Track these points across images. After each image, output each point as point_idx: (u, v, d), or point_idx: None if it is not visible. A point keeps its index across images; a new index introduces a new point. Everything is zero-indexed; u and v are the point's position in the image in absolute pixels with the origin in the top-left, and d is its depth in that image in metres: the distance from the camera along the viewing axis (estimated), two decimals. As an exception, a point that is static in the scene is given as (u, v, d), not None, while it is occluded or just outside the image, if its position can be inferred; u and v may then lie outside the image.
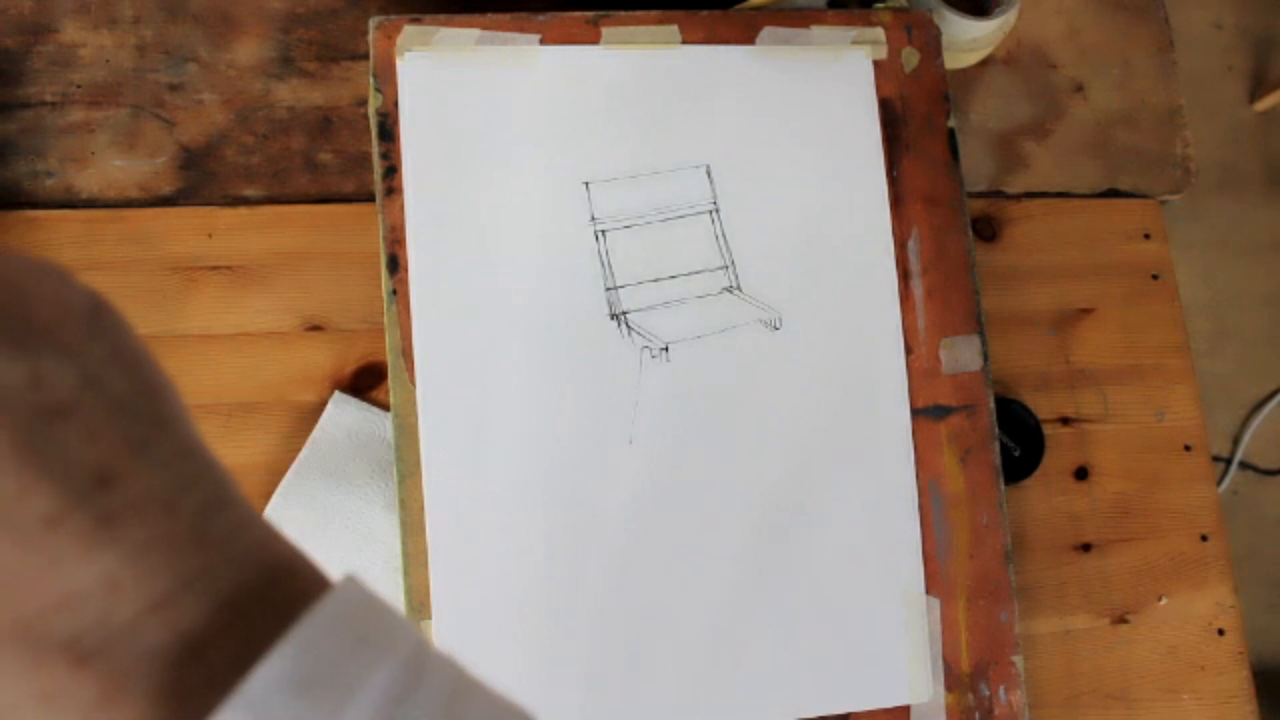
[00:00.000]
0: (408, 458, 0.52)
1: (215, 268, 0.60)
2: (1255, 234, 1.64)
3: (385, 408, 0.58)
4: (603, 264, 0.55)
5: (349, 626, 0.20)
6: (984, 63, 0.69)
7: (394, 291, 0.53)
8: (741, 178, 0.57)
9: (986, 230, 0.67)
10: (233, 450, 0.57)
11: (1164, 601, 0.63)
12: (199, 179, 0.61)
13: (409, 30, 0.55)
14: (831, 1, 0.64)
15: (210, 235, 0.60)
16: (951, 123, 0.60)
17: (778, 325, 0.56)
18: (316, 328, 0.60)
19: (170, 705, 0.19)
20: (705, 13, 0.58)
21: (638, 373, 0.54)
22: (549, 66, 0.56)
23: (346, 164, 0.62)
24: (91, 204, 0.60)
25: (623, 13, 0.57)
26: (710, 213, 0.57)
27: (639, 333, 0.54)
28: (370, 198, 0.58)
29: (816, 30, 0.59)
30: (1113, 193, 0.69)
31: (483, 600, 0.51)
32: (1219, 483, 1.46)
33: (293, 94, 0.63)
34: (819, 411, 0.56)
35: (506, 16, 0.56)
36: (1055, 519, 0.63)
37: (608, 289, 0.55)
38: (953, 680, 0.55)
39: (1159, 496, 0.65)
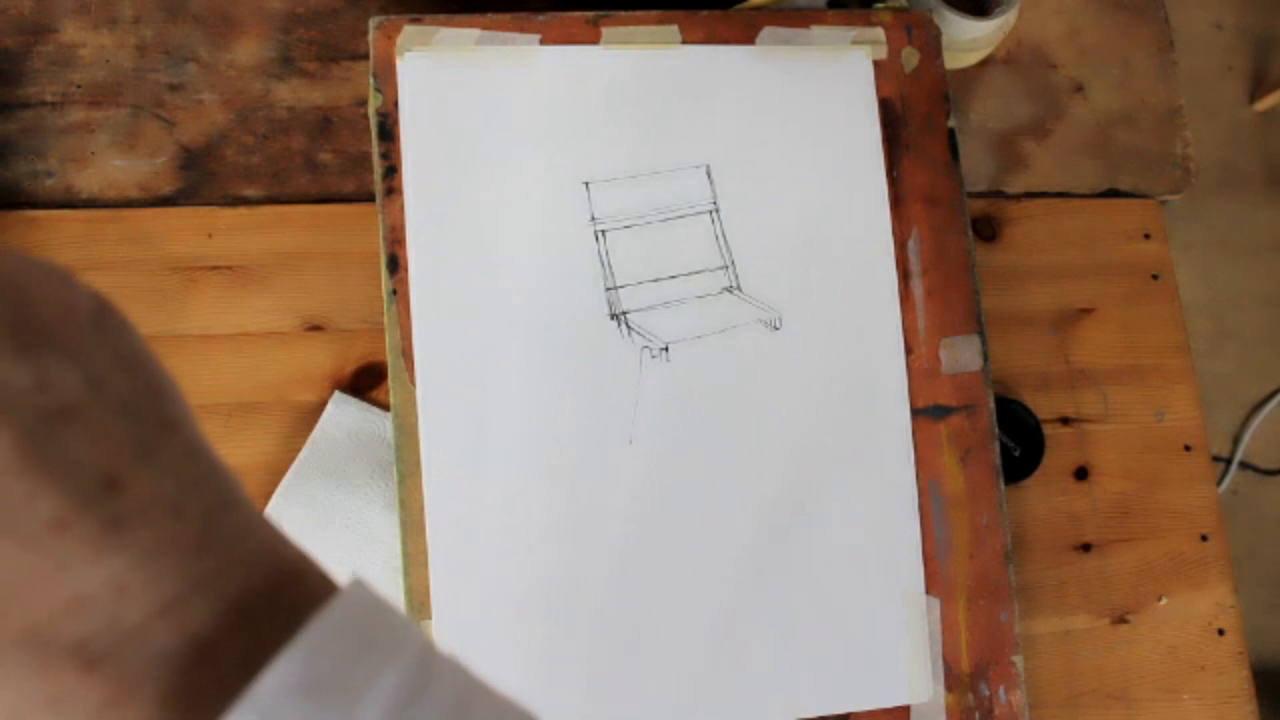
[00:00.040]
0: (408, 458, 0.52)
1: (215, 268, 0.60)
2: (1255, 234, 1.64)
3: (385, 408, 0.58)
4: (603, 264, 0.55)
5: (357, 629, 0.20)
6: (984, 63, 0.69)
7: (394, 291, 0.53)
8: (741, 178, 0.57)
9: (986, 230, 0.67)
10: (233, 450, 0.57)
11: (1164, 601, 0.63)
12: (199, 179, 0.61)
13: (409, 30, 0.55)
14: (831, 1, 0.64)
15: (210, 235, 0.60)
16: (951, 123, 0.60)
17: (778, 325, 0.56)
18: (316, 328, 0.60)
19: (179, 709, 0.19)
20: (705, 13, 0.58)
21: (638, 373, 0.54)
22: (549, 66, 0.56)
23: (346, 164, 0.62)
24: (91, 204, 0.60)
25: (623, 13, 0.57)
26: (710, 213, 0.57)
27: (639, 333, 0.54)
28: (370, 198, 0.58)
29: (816, 30, 0.59)
30: (1113, 193, 0.69)
31: (483, 600, 0.51)
32: (1219, 483, 1.46)
33: (293, 94, 0.63)
34: (819, 411, 0.56)
35: (506, 16, 0.56)
36: (1055, 519, 0.63)
37: (608, 289, 0.55)
38: (953, 680, 0.55)
39: (1159, 496, 0.65)
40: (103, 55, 0.62)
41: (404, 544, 0.51)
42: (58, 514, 0.18)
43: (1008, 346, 0.65)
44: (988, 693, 0.55)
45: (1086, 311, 0.67)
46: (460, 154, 0.55)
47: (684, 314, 0.55)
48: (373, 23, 0.55)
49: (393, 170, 0.54)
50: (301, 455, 0.57)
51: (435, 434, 0.52)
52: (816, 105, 0.59)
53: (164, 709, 0.19)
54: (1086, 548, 0.63)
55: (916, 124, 0.59)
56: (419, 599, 0.51)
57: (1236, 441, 1.56)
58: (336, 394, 0.58)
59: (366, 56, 0.60)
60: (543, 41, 0.56)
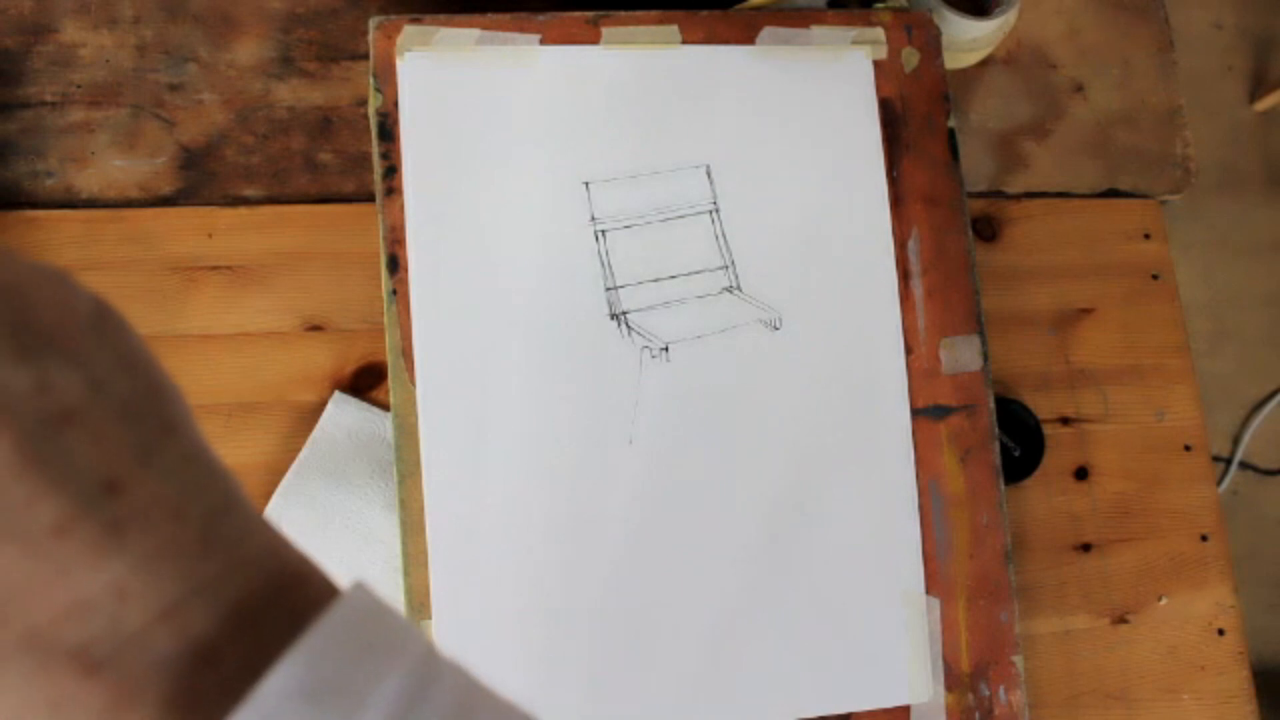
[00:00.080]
0: (408, 458, 0.52)
1: (215, 268, 0.60)
2: (1255, 234, 1.64)
3: (385, 408, 0.58)
4: (603, 264, 0.55)
5: (358, 634, 0.20)
6: (984, 63, 0.69)
7: (394, 291, 0.53)
8: (741, 178, 0.57)
9: (986, 230, 0.67)
10: (233, 450, 0.57)
11: (1164, 601, 0.63)
12: (199, 179, 0.61)
13: (409, 30, 0.55)
14: (831, 1, 0.64)
15: (210, 235, 0.60)
16: (951, 123, 0.60)
17: (778, 325, 0.56)
18: (316, 328, 0.60)
19: (180, 713, 0.19)
20: (705, 13, 0.58)
21: (638, 373, 0.54)
22: (549, 66, 0.56)
23: (346, 164, 0.62)
24: (91, 204, 0.60)
25: (623, 13, 0.57)
26: (710, 213, 0.57)
27: (639, 333, 0.54)
28: (370, 198, 0.58)
29: (816, 30, 0.59)
30: (1113, 193, 0.69)
31: (483, 600, 0.51)
32: (1219, 483, 1.46)
33: (293, 94, 0.63)
34: (819, 411, 0.56)
35: (506, 16, 0.56)
36: (1055, 519, 0.63)
37: (608, 289, 0.55)
38: (953, 680, 0.55)
39: (1159, 496, 0.65)
40: (103, 55, 0.62)
41: (404, 544, 0.51)
42: (58, 518, 0.18)
43: (1008, 346, 0.65)
44: (988, 693, 0.55)
45: (1086, 311, 0.67)
46: (460, 154, 0.55)
47: (684, 314, 0.55)
48: (373, 23, 0.55)
49: (393, 170, 0.54)
50: (301, 455, 0.57)
51: (435, 434, 0.52)
52: (816, 105, 0.59)
53: (165, 713, 0.19)
54: (1086, 548, 0.63)
55: (916, 124, 0.59)
56: (419, 599, 0.51)
57: (1236, 441, 1.56)
58: (336, 394, 0.58)
59: (366, 56, 0.60)
60: (543, 41, 0.56)
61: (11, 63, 0.61)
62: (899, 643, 0.54)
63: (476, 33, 0.56)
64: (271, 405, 0.58)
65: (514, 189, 0.55)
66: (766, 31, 0.59)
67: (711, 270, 0.56)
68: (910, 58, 0.60)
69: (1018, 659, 0.56)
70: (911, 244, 0.58)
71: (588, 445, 0.53)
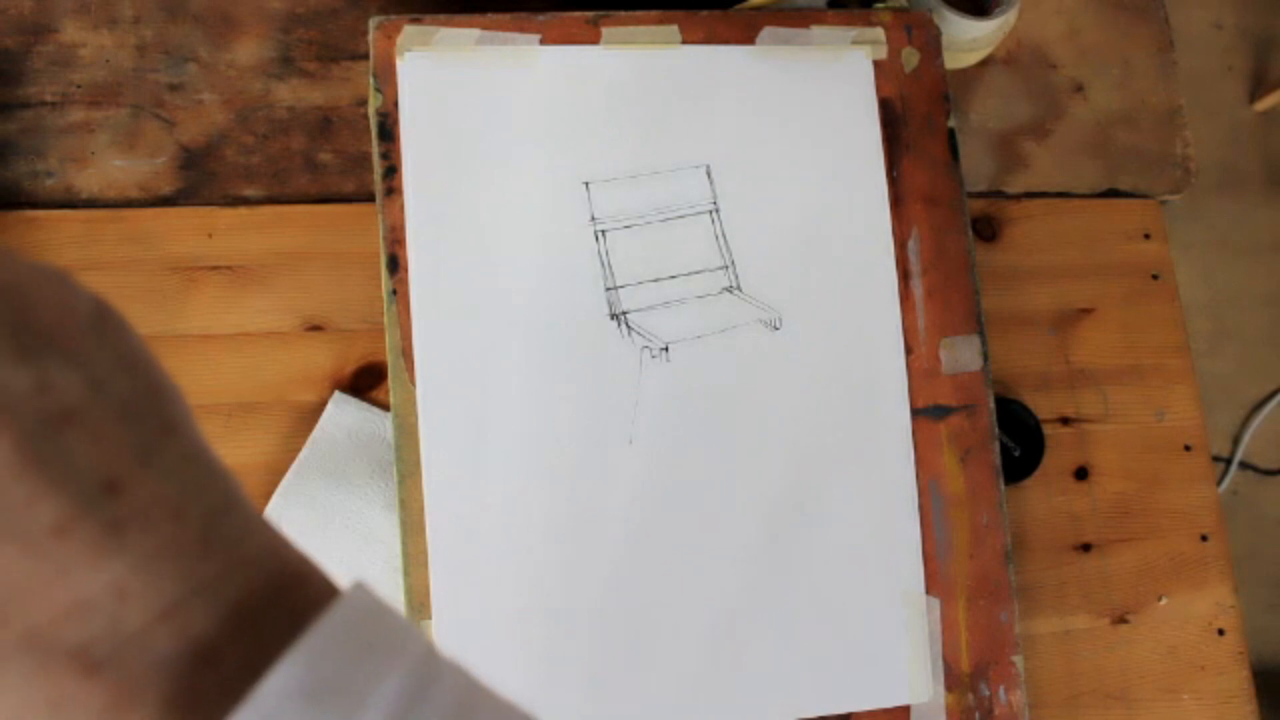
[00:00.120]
0: (408, 458, 0.52)
1: (215, 268, 0.60)
2: (1255, 234, 1.64)
3: (385, 408, 0.58)
4: (603, 264, 0.55)
5: (358, 634, 0.20)
6: (984, 63, 0.69)
7: (394, 291, 0.53)
8: (741, 178, 0.57)
9: (986, 230, 0.67)
10: (233, 450, 0.57)
11: (1164, 601, 0.63)
12: (199, 179, 0.61)
13: (409, 30, 0.55)
14: (831, 1, 0.64)
15: (210, 235, 0.60)
16: (951, 123, 0.60)
17: (778, 325, 0.56)
18: (316, 328, 0.60)
19: (180, 713, 0.19)
20: (705, 13, 0.58)
21: (638, 373, 0.54)
22: (549, 66, 0.56)
23: (346, 164, 0.62)
24: (91, 204, 0.60)
25: (623, 13, 0.57)
26: (710, 213, 0.57)
27: (639, 333, 0.54)
28: (370, 198, 0.58)
29: (816, 30, 0.59)
30: (1113, 193, 0.69)
31: (483, 600, 0.51)
32: (1219, 483, 1.46)
33: (293, 94, 0.63)
34: (819, 411, 0.56)
35: (506, 16, 0.56)
36: (1055, 519, 0.63)
37: (608, 289, 0.55)
38: (953, 680, 0.55)
39: (1159, 496, 0.65)
40: (103, 55, 0.62)
41: (404, 544, 0.51)
42: (58, 518, 0.18)
43: (1008, 346, 0.65)
44: (988, 693, 0.55)
45: (1086, 311, 0.67)
46: (460, 154, 0.55)
47: (684, 314, 0.55)
48: (373, 23, 0.55)
49: (393, 170, 0.54)
50: (301, 455, 0.57)
51: (435, 434, 0.52)
52: (816, 105, 0.59)
53: (165, 713, 0.19)
54: (1086, 548, 0.63)
55: (916, 124, 0.59)
56: (419, 599, 0.51)
57: (1236, 441, 1.56)
58: (336, 394, 0.58)
59: (366, 56, 0.60)
60: (543, 41, 0.56)
61: (11, 63, 0.61)
62: (899, 643, 0.54)
63: (476, 33, 0.56)
64: (271, 405, 0.58)
65: (514, 189, 0.55)
66: (766, 31, 0.59)
67: (711, 270, 0.56)
68: (910, 58, 0.60)
69: (1018, 659, 0.56)
70: (911, 244, 0.58)
71: (588, 445, 0.53)
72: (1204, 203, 1.62)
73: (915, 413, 0.57)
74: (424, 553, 0.51)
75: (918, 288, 0.58)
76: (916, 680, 0.54)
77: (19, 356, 0.19)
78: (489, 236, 0.54)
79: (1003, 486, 0.57)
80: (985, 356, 0.58)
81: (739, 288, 0.56)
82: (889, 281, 0.57)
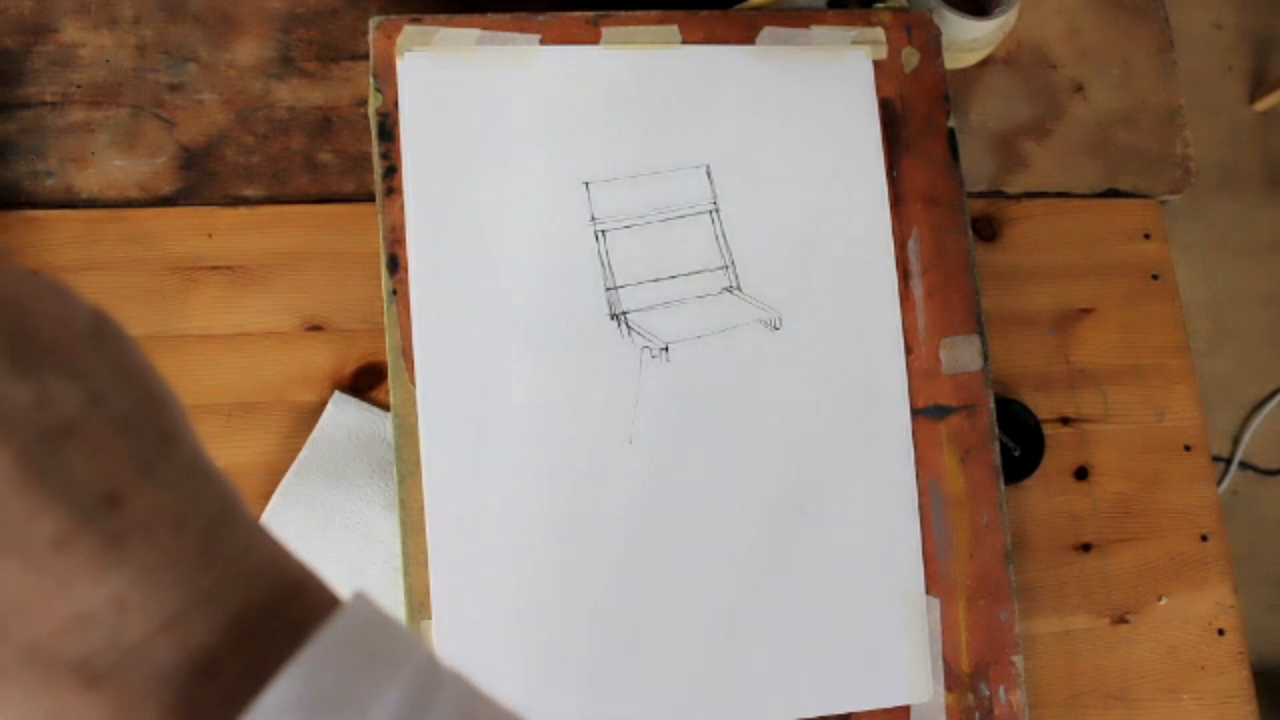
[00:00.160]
0: (408, 458, 0.52)
1: (215, 268, 0.60)
2: (1255, 234, 1.64)
3: (385, 408, 0.58)
4: (603, 264, 0.55)
5: (359, 645, 0.20)
6: (984, 63, 0.69)
7: (394, 291, 0.53)
8: (741, 178, 0.57)
9: (986, 230, 0.67)
10: (233, 450, 0.57)
11: (1164, 601, 0.63)
12: (199, 179, 0.61)
13: (409, 30, 0.55)
14: (831, 1, 0.64)
15: (210, 235, 0.60)
16: (951, 123, 0.60)
17: (778, 325, 0.56)
18: (316, 328, 0.60)
19: None
20: (705, 13, 0.58)
21: (638, 373, 0.54)
22: (549, 66, 0.56)
23: (346, 164, 0.62)
24: (91, 204, 0.60)
25: (623, 13, 0.57)
26: (710, 213, 0.57)
27: (639, 333, 0.54)
28: (370, 198, 0.58)
29: (816, 30, 0.59)
30: (1113, 193, 0.69)
31: (483, 600, 0.51)
32: (1219, 483, 1.46)
33: (293, 94, 0.63)
34: (819, 411, 0.56)
35: (506, 16, 0.56)
36: (1055, 519, 0.63)
37: (608, 289, 0.55)
38: (953, 680, 0.55)
39: (1159, 496, 0.65)
40: (103, 55, 0.62)
41: (404, 544, 0.51)
42: (58, 531, 0.18)
43: (1008, 346, 0.65)
44: (988, 693, 0.55)
45: (1086, 311, 0.67)
46: (460, 154, 0.55)
47: (684, 314, 0.55)
48: (373, 23, 0.55)
49: (393, 170, 0.54)
50: (301, 455, 0.57)
51: (435, 434, 0.52)
52: (816, 105, 0.59)
53: None
54: (1086, 548, 0.63)
55: (916, 124, 0.59)
56: (419, 599, 0.51)
57: (1236, 441, 1.56)
58: (336, 394, 0.58)
59: (366, 56, 0.60)
60: (543, 41, 0.56)
61: (11, 63, 0.61)
62: (899, 643, 0.54)
63: (476, 33, 0.56)
64: (271, 405, 0.58)
65: (514, 189, 0.55)
66: (766, 31, 0.59)
67: (711, 270, 0.56)
68: (910, 58, 0.60)
69: (1018, 659, 0.56)
70: (911, 244, 0.58)
71: (588, 445, 0.53)
72: (1204, 203, 1.62)
73: (915, 413, 0.57)
74: (424, 553, 0.51)
75: (918, 288, 0.58)
76: (916, 680, 0.54)
77: (18, 370, 0.19)
78: (489, 236, 0.54)
79: (1003, 486, 0.57)
80: (985, 356, 0.58)
81: (739, 288, 0.56)
82: (889, 281, 0.57)
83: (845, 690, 0.54)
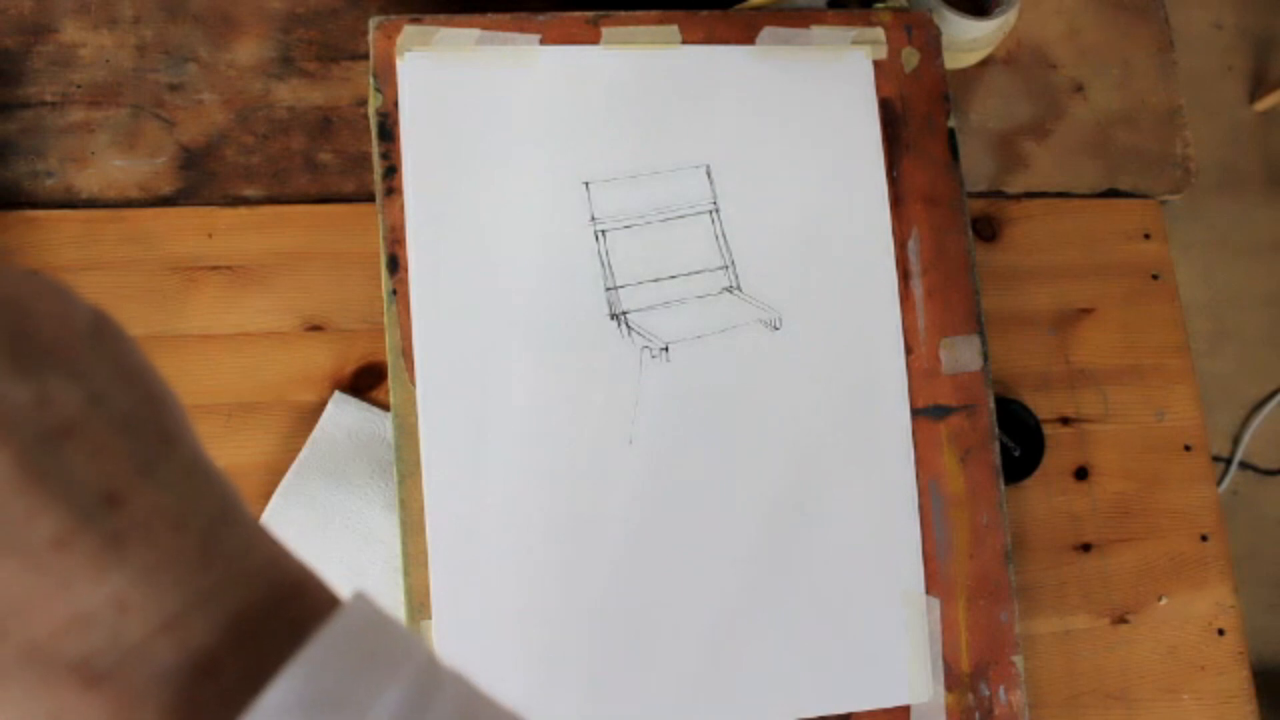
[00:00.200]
0: (408, 458, 0.52)
1: (215, 268, 0.60)
2: (1255, 234, 1.64)
3: (385, 408, 0.58)
4: (603, 264, 0.55)
5: (359, 645, 0.20)
6: (984, 63, 0.69)
7: (394, 291, 0.53)
8: (741, 178, 0.57)
9: (986, 230, 0.67)
10: (233, 450, 0.57)
11: (1164, 601, 0.63)
12: (199, 179, 0.61)
13: (409, 30, 0.55)
14: (831, 1, 0.64)
15: (210, 235, 0.60)
16: (951, 123, 0.60)
17: (778, 325, 0.56)
18: (316, 328, 0.60)
19: None
20: (705, 13, 0.58)
21: (638, 373, 0.54)
22: (549, 66, 0.56)
23: (346, 164, 0.62)
24: (91, 204, 0.60)
25: (623, 13, 0.57)
26: (710, 213, 0.57)
27: (639, 333, 0.54)
28: (370, 198, 0.58)
29: (816, 30, 0.59)
30: (1113, 193, 0.69)
31: (483, 600, 0.51)
32: (1219, 483, 1.46)
33: (293, 94, 0.63)
34: (819, 411, 0.56)
35: (506, 16, 0.56)
36: (1055, 519, 0.63)
37: (608, 289, 0.55)
38: (953, 680, 0.55)
39: (1159, 496, 0.65)
40: (103, 55, 0.62)
41: (404, 544, 0.51)
42: (59, 531, 0.18)
43: (1008, 346, 0.65)
44: (988, 693, 0.55)
45: (1086, 311, 0.67)
46: (460, 154, 0.55)
47: (684, 314, 0.55)
48: (373, 23, 0.55)
49: (393, 170, 0.54)
50: (301, 455, 0.57)
51: (435, 434, 0.52)
52: (816, 105, 0.59)
53: None
54: (1086, 548, 0.63)
55: (916, 124, 0.59)
56: (419, 599, 0.51)
57: (1236, 441, 1.56)
58: (336, 394, 0.58)
59: (366, 56, 0.60)
60: (543, 41, 0.56)
61: (11, 63, 0.61)
62: (899, 643, 0.54)
63: (476, 33, 0.56)
64: (271, 405, 0.58)
65: (514, 189, 0.55)
66: (766, 31, 0.59)
67: (711, 270, 0.56)
68: (910, 58, 0.60)
69: (1018, 659, 0.56)
70: (911, 244, 0.58)
71: (588, 445, 0.53)
72: (1204, 203, 1.62)
73: (915, 413, 0.57)
74: (424, 553, 0.51)
75: (918, 288, 0.58)
76: (916, 680, 0.54)
77: (18, 370, 0.19)
78: (489, 236, 0.54)
79: (1003, 486, 0.57)
80: (985, 356, 0.58)
81: (739, 288, 0.56)
82: (889, 281, 0.57)
83: (845, 690, 0.54)
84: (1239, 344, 1.59)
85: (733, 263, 0.56)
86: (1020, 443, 0.62)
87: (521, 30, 0.56)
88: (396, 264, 0.53)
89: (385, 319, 0.53)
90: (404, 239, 0.53)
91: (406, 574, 0.51)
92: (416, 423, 0.52)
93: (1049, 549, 0.63)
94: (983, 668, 0.55)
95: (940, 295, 0.58)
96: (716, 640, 0.53)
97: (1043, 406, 0.64)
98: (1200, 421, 0.66)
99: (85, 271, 0.59)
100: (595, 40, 0.57)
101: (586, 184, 0.55)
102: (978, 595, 0.55)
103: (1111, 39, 0.72)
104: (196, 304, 0.59)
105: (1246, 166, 1.67)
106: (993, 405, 0.57)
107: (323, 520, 0.56)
